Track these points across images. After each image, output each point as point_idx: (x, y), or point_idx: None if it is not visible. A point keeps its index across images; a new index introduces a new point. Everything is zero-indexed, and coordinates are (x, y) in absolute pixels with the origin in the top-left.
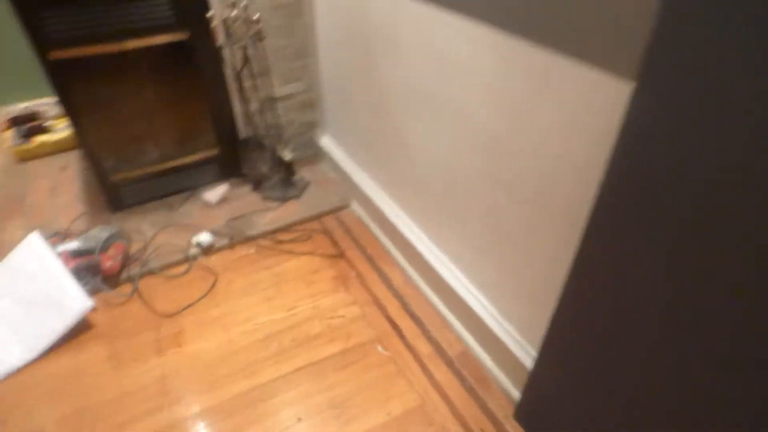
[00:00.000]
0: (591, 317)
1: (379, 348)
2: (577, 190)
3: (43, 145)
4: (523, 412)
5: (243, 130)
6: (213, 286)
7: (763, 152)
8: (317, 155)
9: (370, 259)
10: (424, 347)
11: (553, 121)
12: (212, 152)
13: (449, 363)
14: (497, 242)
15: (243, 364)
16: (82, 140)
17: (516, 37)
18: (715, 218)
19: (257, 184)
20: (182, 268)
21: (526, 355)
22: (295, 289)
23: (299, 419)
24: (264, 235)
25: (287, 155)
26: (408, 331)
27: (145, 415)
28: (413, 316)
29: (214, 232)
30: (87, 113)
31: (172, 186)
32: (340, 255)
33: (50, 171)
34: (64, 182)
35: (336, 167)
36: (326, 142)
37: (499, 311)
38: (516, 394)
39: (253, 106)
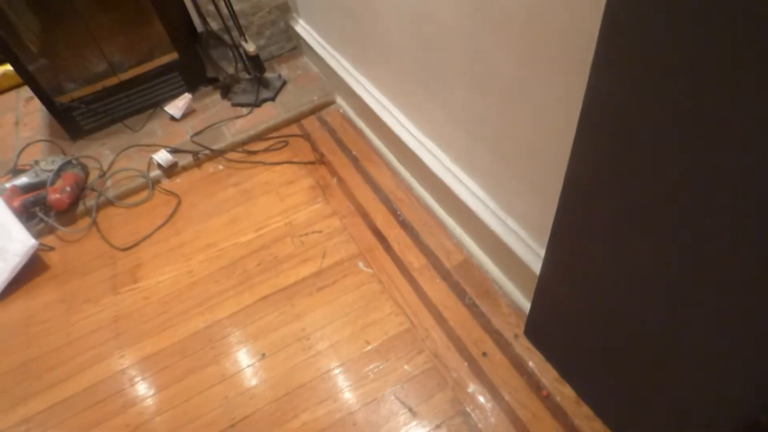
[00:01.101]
0: (599, 200)
1: (361, 265)
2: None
3: (5, 76)
4: (534, 326)
5: (199, 25)
6: (174, 211)
7: None
8: (296, 49)
9: (355, 161)
10: (415, 259)
11: None
12: (170, 57)
13: (446, 276)
14: (488, 111)
15: (202, 298)
16: (7, 56)
17: None
18: None
19: (226, 90)
20: (143, 195)
21: (536, 258)
22: (266, 206)
23: (263, 356)
24: (233, 147)
25: (251, 47)
26: (397, 242)
27: (93, 362)
28: (404, 224)
29: (177, 150)
30: (7, 23)
31: (133, 104)
32: (320, 160)
33: (15, 103)
34: (28, 114)
35: (314, 56)
36: (302, 28)
37: (501, 206)
38: (527, 306)
39: None
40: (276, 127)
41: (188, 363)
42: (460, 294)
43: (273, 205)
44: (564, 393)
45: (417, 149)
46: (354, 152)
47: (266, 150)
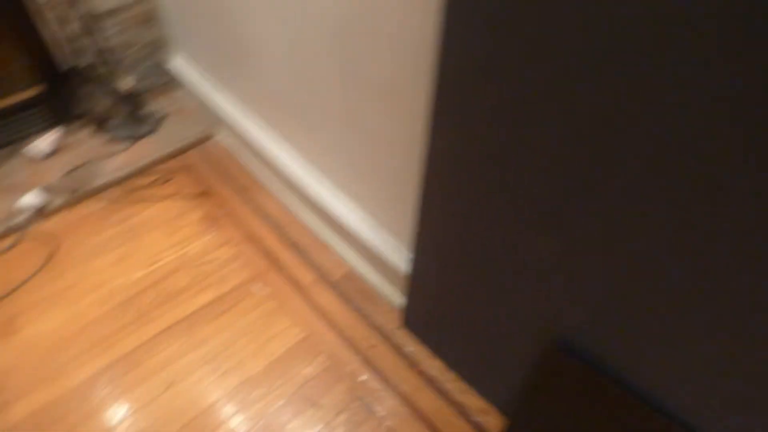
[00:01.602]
0: (451, 200)
1: (257, 287)
2: (418, 64)
3: None
4: (411, 318)
5: (69, 60)
6: (52, 254)
7: None
8: (173, 82)
9: (242, 191)
10: (306, 276)
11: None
12: (32, 92)
13: (334, 286)
14: (357, 143)
15: (96, 339)
16: None
17: None
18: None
19: (100, 125)
20: (8, 241)
21: (406, 261)
22: (156, 241)
23: (170, 384)
24: (113, 183)
25: (125, 84)
26: (288, 261)
27: None
28: (293, 245)
29: (49, 190)
30: None
31: None
32: (207, 193)
33: None
34: None
35: (194, 91)
36: (179, 64)
37: (375, 220)
38: (403, 302)
39: (74, 26)
40: (157, 162)
41: (86, 408)
42: (348, 301)
43: (163, 239)
44: (434, 365)
45: (299, 176)
46: (240, 182)
47: (150, 185)
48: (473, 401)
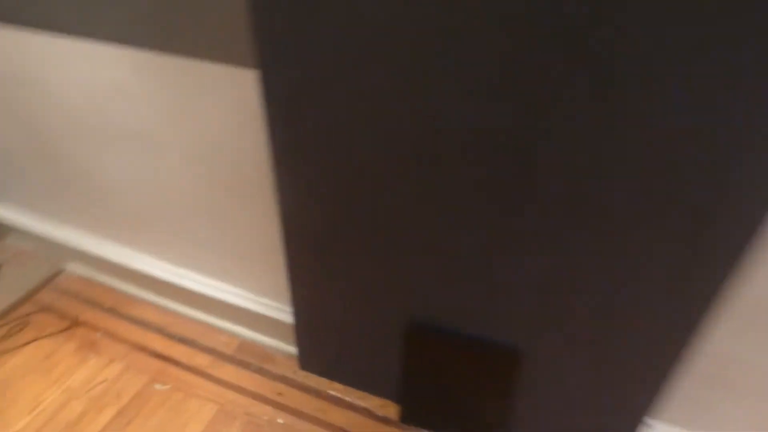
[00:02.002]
0: (309, 250)
1: (157, 386)
2: (257, 159)
3: None
4: (305, 358)
5: None
6: None
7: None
8: None
9: (113, 311)
10: (203, 360)
11: (217, 115)
12: None
13: (231, 360)
14: (223, 234)
15: None
16: None
17: (159, 53)
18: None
19: None
20: None
21: (289, 315)
22: (31, 385)
23: None
24: None
25: None
26: (181, 355)
27: None
28: (181, 340)
29: None
30: None
31: None
32: (75, 323)
33: None
34: None
35: (29, 234)
36: (4, 212)
37: (253, 292)
38: (296, 350)
39: None
40: (6, 312)
41: None
42: (247, 367)
43: (39, 381)
44: (335, 387)
45: (171, 280)
46: (108, 303)
47: (4, 337)
48: (372, 402)
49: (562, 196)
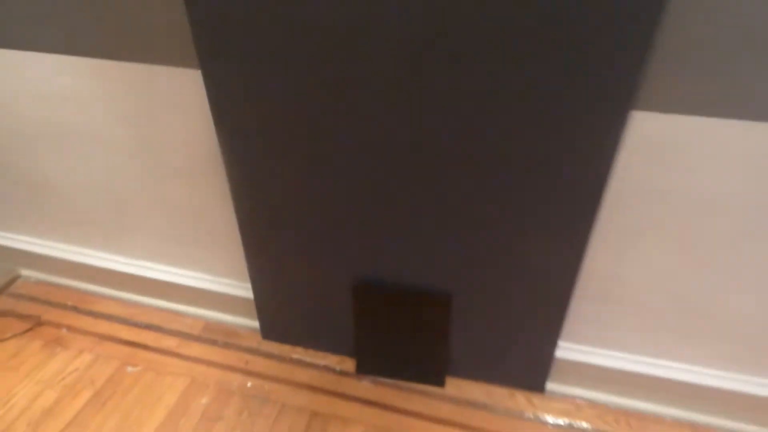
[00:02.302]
0: (263, 228)
1: (129, 369)
2: (206, 148)
3: None
4: (266, 329)
5: None
6: None
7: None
8: None
9: (75, 308)
10: (170, 342)
11: (166, 111)
12: None
13: (198, 339)
14: (178, 222)
15: None
16: None
17: (107, 60)
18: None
19: None
20: None
21: (248, 291)
22: (1, 382)
23: None
24: None
25: None
26: (149, 340)
27: None
28: (147, 327)
29: None
30: None
31: None
32: (38, 323)
33: None
34: None
35: None
36: None
37: (212, 274)
38: (257, 324)
39: None
40: None
41: None
42: (213, 343)
43: (8, 377)
44: (296, 351)
45: (129, 270)
46: (69, 303)
47: None
48: (331, 359)
49: (463, 164)
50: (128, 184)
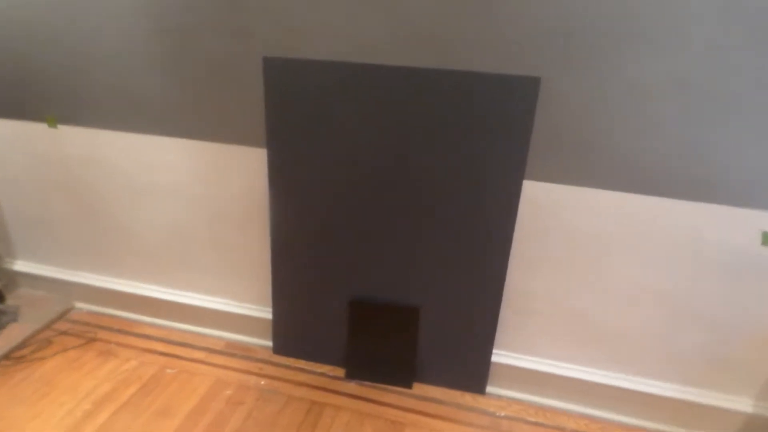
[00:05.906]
0: (288, 259)
1: (168, 370)
2: (260, 204)
3: None
4: (277, 346)
5: None
6: None
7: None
8: (11, 284)
9: (121, 331)
10: (199, 354)
11: (239, 178)
12: None
13: (221, 353)
14: (223, 258)
15: None
16: None
17: (198, 141)
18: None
19: None
20: None
21: (268, 314)
22: (68, 379)
23: None
24: None
25: None
26: (182, 353)
27: None
28: (179, 344)
29: None
30: None
31: None
32: (92, 340)
33: None
34: None
35: (41, 283)
36: (22, 266)
37: (237, 300)
38: (270, 344)
39: None
40: (32, 335)
41: None
42: (233, 356)
43: (73, 375)
44: (300, 363)
45: (173, 298)
46: (116, 327)
47: (33, 353)
48: (325, 368)
49: (419, 208)
50: (193, 228)
